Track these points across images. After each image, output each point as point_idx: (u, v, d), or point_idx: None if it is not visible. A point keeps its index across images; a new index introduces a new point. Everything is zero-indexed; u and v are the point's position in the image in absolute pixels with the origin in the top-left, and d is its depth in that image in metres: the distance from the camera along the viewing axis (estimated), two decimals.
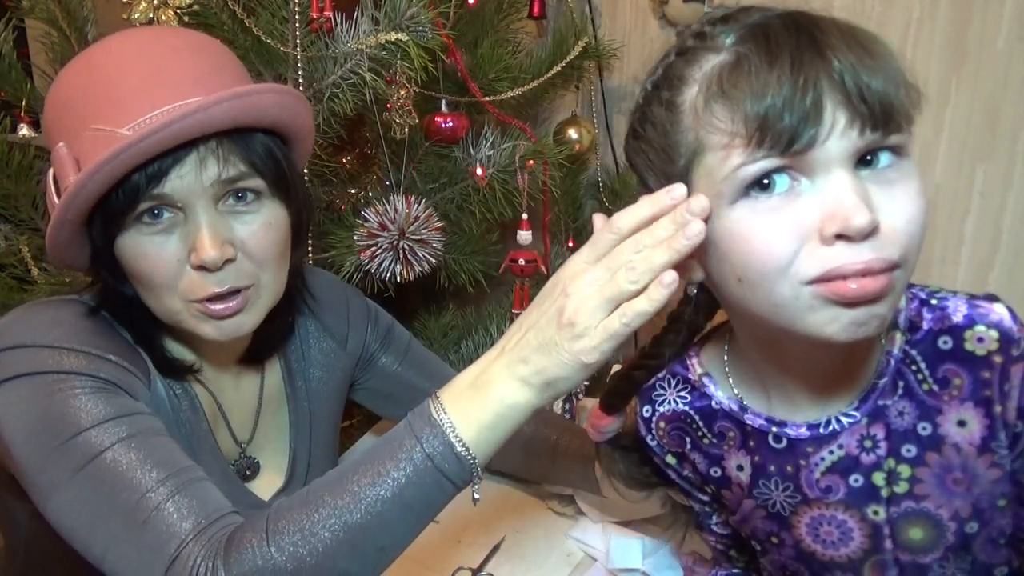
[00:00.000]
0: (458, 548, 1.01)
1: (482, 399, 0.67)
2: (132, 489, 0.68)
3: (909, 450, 0.63)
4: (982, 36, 1.40)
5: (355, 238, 1.32)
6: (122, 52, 0.74)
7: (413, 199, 1.32)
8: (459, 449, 0.66)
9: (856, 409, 0.64)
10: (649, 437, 0.76)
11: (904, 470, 0.64)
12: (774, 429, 0.67)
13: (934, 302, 0.62)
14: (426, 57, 1.20)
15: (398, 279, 1.32)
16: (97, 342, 0.76)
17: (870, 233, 0.52)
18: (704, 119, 0.56)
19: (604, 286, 0.63)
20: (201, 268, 0.74)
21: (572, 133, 1.72)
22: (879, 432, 0.64)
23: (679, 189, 0.60)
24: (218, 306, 0.76)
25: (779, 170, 0.54)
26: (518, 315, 1.49)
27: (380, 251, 1.31)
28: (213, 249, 0.73)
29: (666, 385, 0.75)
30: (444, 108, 1.43)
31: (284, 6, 1.19)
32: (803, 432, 0.66)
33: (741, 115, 0.53)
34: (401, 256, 1.31)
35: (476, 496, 0.71)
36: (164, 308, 0.77)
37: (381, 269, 1.31)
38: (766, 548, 0.73)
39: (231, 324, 0.78)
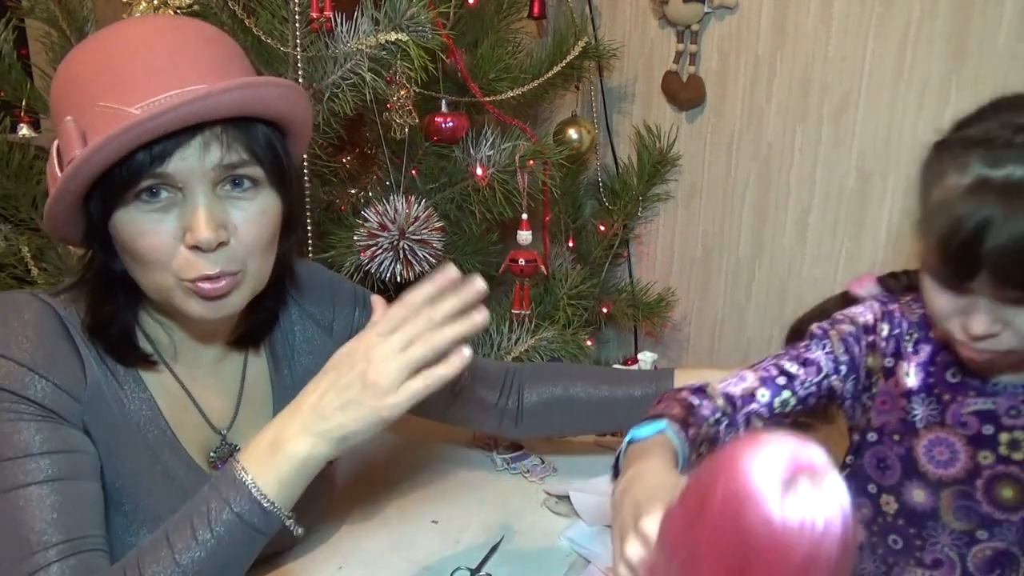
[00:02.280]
0: (457, 548, 1.01)
1: (280, 456, 0.76)
2: (25, 541, 0.72)
3: None
4: (982, 36, 1.40)
5: (355, 238, 1.32)
6: (135, 35, 0.76)
7: (413, 199, 1.32)
8: (265, 504, 0.75)
9: (1022, 385, 0.81)
10: (891, 305, 0.91)
11: None
12: (956, 367, 0.84)
13: None
14: (426, 57, 1.20)
15: (398, 279, 1.32)
16: (35, 350, 0.77)
17: (984, 337, 0.75)
18: (925, 227, 0.76)
19: (404, 353, 0.75)
20: (195, 248, 0.76)
21: (572, 133, 1.72)
22: None
23: (452, 270, 0.77)
24: (207, 286, 0.78)
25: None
26: (518, 315, 1.51)
27: (380, 251, 1.31)
28: (209, 231, 0.75)
29: (912, 299, 0.91)
30: (444, 108, 1.43)
31: (284, 6, 1.20)
32: (975, 381, 0.83)
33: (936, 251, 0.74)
34: (401, 256, 1.31)
35: (299, 531, 0.79)
36: (155, 284, 0.78)
37: (381, 269, 1.31)
38: (883, 439, 0.89)
39: (218, 304, 0.80)
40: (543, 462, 1.19)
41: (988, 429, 0.83)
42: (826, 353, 0.92)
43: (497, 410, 1.09)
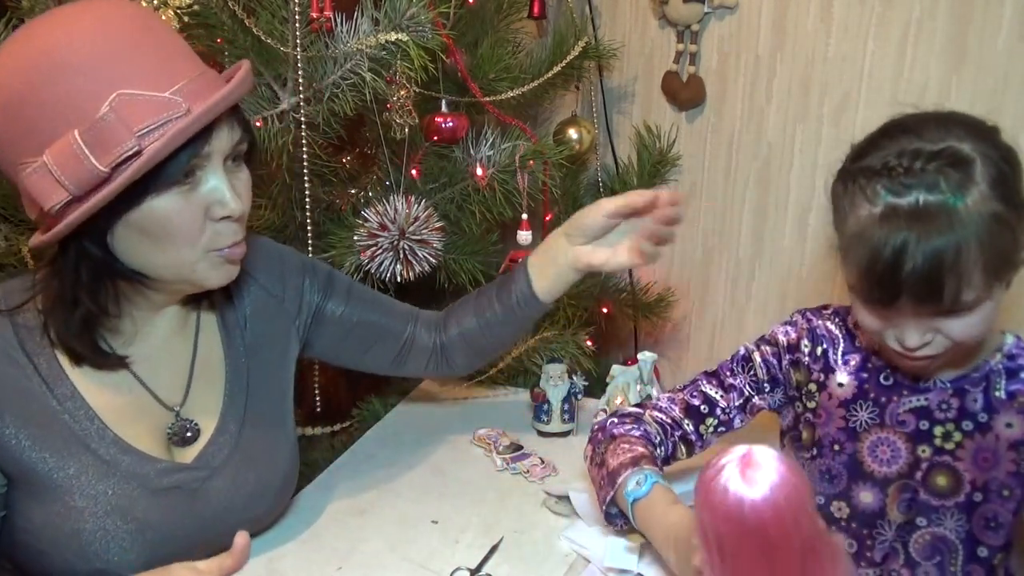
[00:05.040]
0: (456, 548, 1.01)
1: None
2: None
3: (967, 425, 0.88)
4: (982, 36, 1.40)
5: (355, 238, 1.32)
6: (121, 20, 0.78)
7: (413, 199, 1.32)
8: None
9: (949, 381, 0.89)
10: (815, 321, 0.99)
11: (958, 436, 0.89)
12: (888, 370, 0.92)
13: None
14: (426, 57, 1.20)
15: (398, 279, 1.32)
16: None
17: (919, 347, 0.81)
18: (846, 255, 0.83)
19: None
20: (225, 219, 0.83)
21: (572, 133, 1.72)
22: (955, 403, 0.89)
23: None
24: (237, 250, 0.87)
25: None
26: None
27: (380, 251, 1.31)
28: (237, 203, 0.83)
29: (834, 311, 1.00)
30: (444, 108, 1.43)
31: (284, 6, 1.19)
32: (907, 381, 0.91)
33: (860, 278, 0.81)
34: (401, 256, 1.31)
35: None
36: (178, 261, 0.83)
37: (381, 269, 1.31)
38: (823, 452, 0.95)
39: (236, 268, 0.89)
40: (543, 462, 1.20)
41: (924, 424, 0.90)
42: (748, 377, 1.01)
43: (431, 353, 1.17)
